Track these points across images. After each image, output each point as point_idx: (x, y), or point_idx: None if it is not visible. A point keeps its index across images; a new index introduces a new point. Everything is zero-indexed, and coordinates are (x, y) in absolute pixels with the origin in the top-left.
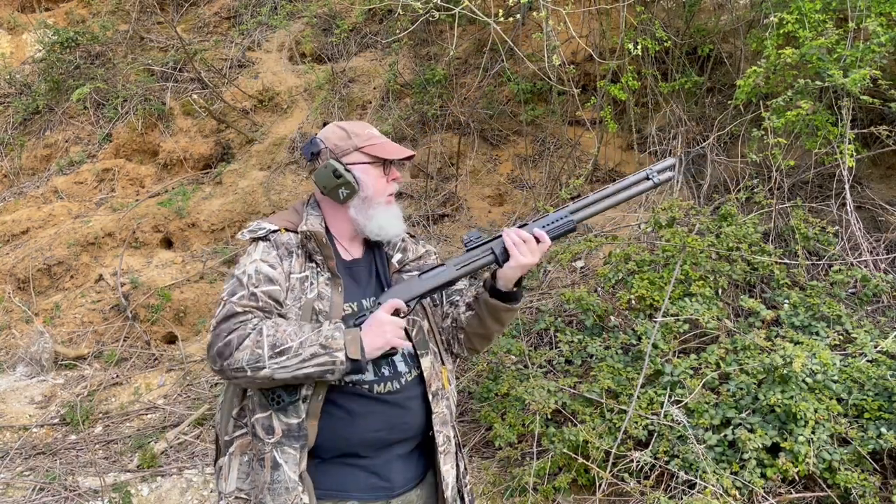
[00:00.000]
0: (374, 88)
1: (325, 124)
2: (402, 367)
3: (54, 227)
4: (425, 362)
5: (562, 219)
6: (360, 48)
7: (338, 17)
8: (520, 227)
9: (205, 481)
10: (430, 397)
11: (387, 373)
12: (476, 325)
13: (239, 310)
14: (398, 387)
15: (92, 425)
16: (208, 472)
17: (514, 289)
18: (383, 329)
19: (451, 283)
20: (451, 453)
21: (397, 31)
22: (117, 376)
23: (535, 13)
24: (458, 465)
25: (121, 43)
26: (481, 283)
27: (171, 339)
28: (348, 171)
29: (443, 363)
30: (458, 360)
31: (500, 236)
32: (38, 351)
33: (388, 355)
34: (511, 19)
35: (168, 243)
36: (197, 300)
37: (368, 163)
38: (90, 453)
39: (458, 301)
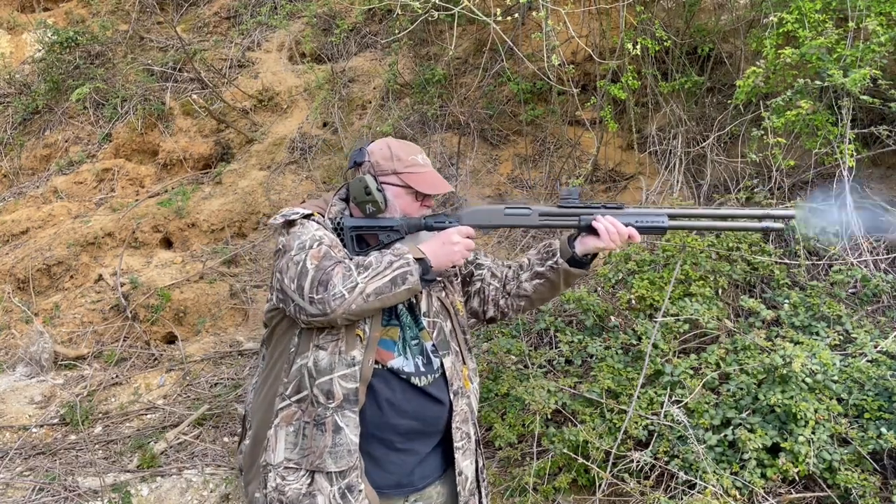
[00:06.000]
0: (374, 88)
1: (324, 124)
2: (435, 362)
3: (54, 227)
4: (447, 362)
5: (656, 220)
6: (359, 48)
7: (338, 17)
8: (613, 208)
9: (204, 481)
10: (452, 396)
11: (422, 367)
12: (546, 290)
13: (330, 251)
14: (432, 380)
15: (92, 425)
16: (208, 472)
17: (589, 256)
18: (452, 247)
19: (529, 228)
20: (470, 450)
21: (397, 31)
22: (117, 376)
23: (534, 13)
24: (477, 462)
25: (121, 43)
26: (550, 253)
27: (170, 339)
28: (380, 190)
29: (464, 362)
30: (500, 320)
31: (592, 210)
32: (38, 351)
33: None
34: (510, 19)
35: (168, 243)
36: (197, 300)
37: (402, 187)
38: (90, 453)
39: (485, 276)
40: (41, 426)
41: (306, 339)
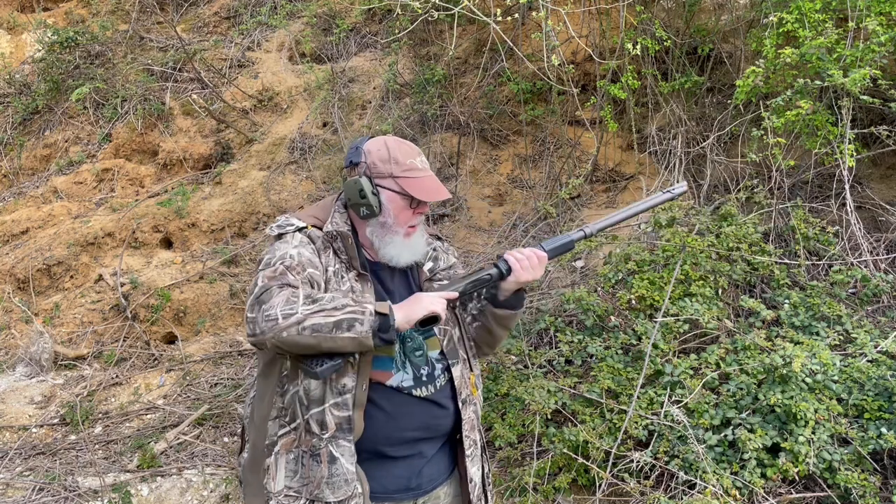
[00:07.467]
0: (374, 88)
1: (324, 124)
2: (439, 369)
3: (54, 227)
4: (455, 371)
5: (562, 240)
6: (359, 48)
7: (337, 17)
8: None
9: (204, 481)
10: (460, 404)
11: (424, 377)
12: (484, 334)
13: (287, 273)
14: (434, 390)
15: (92, 425)
16: (208, 472)
17: (512, 296)
18: (421, 301)
19: (489, 283)
20: (477, 456)
21: (397, 31)
22: (117, 376)
23: (534, 13)
24: (483, 467)
25: (120, 43)
26: (485, 297)
27: (170, 340)
28: (375, 193)
29: (471, 369)
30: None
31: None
32: (38, 351)
33: (429, 322)
34: (510, 19)
35: (168, 243)
36: (197, 300)
37: (398, 193)
38: (90, 453)
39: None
40: (41, 426)
41: (294, 365)
